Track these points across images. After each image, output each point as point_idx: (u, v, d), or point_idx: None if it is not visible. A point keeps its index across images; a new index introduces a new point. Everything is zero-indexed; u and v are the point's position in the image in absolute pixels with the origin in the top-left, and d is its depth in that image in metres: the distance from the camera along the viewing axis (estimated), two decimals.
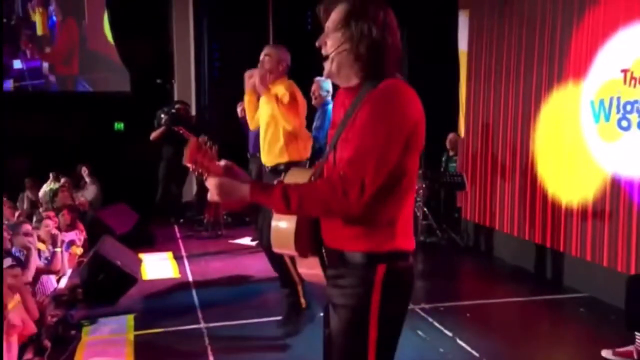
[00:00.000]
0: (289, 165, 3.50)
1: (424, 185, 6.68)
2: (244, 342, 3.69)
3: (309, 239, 1.70)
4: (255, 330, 3.82)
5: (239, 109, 6.11)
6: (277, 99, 3.53)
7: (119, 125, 8.50)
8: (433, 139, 7.58)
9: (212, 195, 1.59)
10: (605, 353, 3.44)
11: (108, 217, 6.07)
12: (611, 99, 4.40)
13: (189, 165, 1.58)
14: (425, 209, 6.61)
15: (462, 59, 7.17)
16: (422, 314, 4.20)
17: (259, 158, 6.04)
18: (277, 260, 3.58)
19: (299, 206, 1.54)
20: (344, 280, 1.65)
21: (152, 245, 6.30)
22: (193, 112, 8.18)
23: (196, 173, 1.59)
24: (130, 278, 4.47)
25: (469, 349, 3.56)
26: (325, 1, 1.68)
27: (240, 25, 7.92)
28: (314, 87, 5.29)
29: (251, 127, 4.03)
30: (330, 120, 5.40)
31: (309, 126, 5.27)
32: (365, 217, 1.58)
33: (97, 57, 8.61)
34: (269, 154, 3.64)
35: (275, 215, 1.67)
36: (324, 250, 1.71)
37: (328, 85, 5.32)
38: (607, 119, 4.44)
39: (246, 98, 3.86)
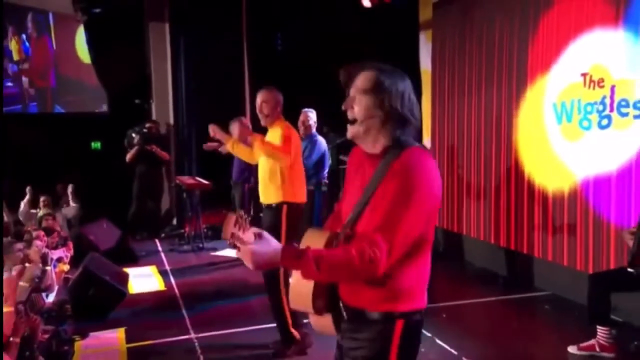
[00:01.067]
0: (281, 205, 3.53)
1: None
2: (235, 350, 3.68)
3: (325, 298, 1.72)
4: (245, 338, 3.82)
5: (210, 130, 6.11)
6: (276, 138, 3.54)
7: (96, 145, 8.37)
8: None
9: (246, 262, 1.57)
10: (571, 349, 3.56)
11: (92, 234, 5.95)
12: (572, 101, 4.53)
13: (227, 239, 1.62)
14: None
15: (423, 78, 7.35)
16: None
17: (241, 185, 6.12)
18: (272, 292, 3.57)
19: (328, 273, 1.56)
20: (362, 334, 1.68)
21: (135, 261, 6.20)
22: (170, 131, 8.14)
23: (232, 246, 1.64)
24: (119, 292, 4.40)
25: (447, 347, 3.64)
26: (352, 66, 1.72)
27: (215, 46, 7.93)
28: (302, 118, 5.35)
29: (252, 161, 4.00)
30: (319, 151, 5.39)
31: None
32: (387, 281, 1.62)
33: (69, 81, 8.50)
34: (265, 193, 3.64)
35: (294, 274, 1.69)
36: (342, 307, 1.73)
37: (314, 115, 5.40)
38: (569, 119, 4.58)
39: (235, 147, 3.84)
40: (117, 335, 3.96)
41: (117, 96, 8.08)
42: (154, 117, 8.07)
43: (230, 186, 6.32)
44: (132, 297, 4.85)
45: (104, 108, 8.37)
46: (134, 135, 7.02)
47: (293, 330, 3.54)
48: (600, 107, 4.28)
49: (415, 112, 1.68)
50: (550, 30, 4.75)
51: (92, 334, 3.97)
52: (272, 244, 1.57)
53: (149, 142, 6.89)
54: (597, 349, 3.50)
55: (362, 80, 1.66)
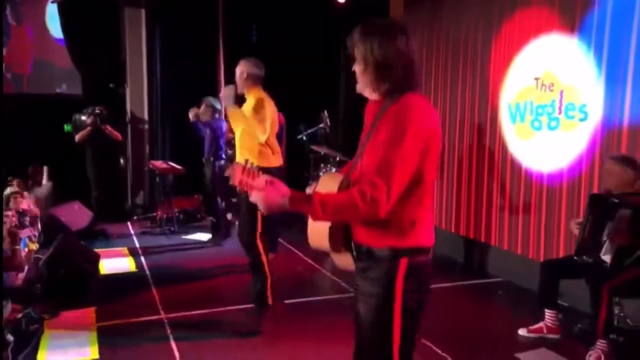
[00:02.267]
0: (257, 170, 3.52)
1: None
2: (204, 330, 3.64)
3: (341, 237, 1.78)
4: (214, 318, 3.79)
5: (190, 115, 6.05)
6: (248, 108, 3.61)
7: (68, 127, 8.12)
8: None
9: (259, 207, 1.65)
10: (521, 332, 3.66)
11: (63, 215, 5.79)
12: (525, 103, 4.69)
13: (235, 185, 1.66)
14: None
15: None
16: None
17: (212, 162, 6.08)
18: (253, 254, 3.63)
19: (333, 214, 1.62)
20: (371, 272, 1.73)
21: (107, 242, 6.08)
22: (146, 116, 7.96)
23: (242, 192, 1.68)
24: (90, 273, 4.30)
25: None
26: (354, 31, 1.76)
27: (191, 33, 7.77)
28: None
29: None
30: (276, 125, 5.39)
31: None
32: (388, 218, 1.65)
33: (44, 63, 8.18)
34: (241, 156, 3.67)
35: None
36: (353, 245, 1.78)
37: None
38: (522, 120, 4.74)
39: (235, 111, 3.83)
40: (87, 315, 3.87)
41: (91, 80, 7.83)
42: (128, 101, 7.88)
43: (202, 164, 6.25)
44: (103, 277, 4.75)
45: (78, 91, 8.11)
46: (83, 118, 6.84)
47: (269, 290, 3.61)
48: (550, 110, 4.45)
49: (403, 57, 1.68)
50: (510, 35, 4.86)
51: (62, 313, 3.87)
52: (282, 190, 1.64)
53: (104, 123, 6.72)
54: (545, 331, 3.62)
55: (350, 42, 1.75)
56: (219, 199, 6.23)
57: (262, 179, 1.64)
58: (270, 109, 3.70)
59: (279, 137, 5.32)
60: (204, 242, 6.26)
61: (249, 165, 1.67)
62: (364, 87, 1.76)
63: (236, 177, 1.65)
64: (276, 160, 3.72)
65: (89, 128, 6.73)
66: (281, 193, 1.63)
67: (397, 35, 1.68)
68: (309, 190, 1.87)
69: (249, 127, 3.57)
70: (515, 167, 4.77)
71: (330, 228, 1.75)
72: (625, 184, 3.32)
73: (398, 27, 1.71)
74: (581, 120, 4.16)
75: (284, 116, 5.44)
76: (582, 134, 4.13)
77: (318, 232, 1.77)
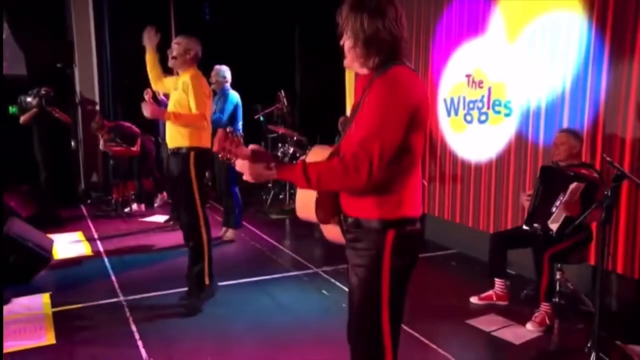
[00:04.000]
0: (189, 150, 3.44)
1: None
2: (164, 310, 3.58)
3: (329, 208, 1.76)
4: (173, 299, 3.73)
5: (146, 96, 5.85)
6: (185, 85, 3.44)
7: (13, 109, 7.72)
8: (326, 120, 7.79)
9: (246, 177, 1.62)
10: (472, 299, 3.82)
11: (11, 200, 5.54)
12: (459, 98, 4.97)
13: (217, 152, 1.60)
14: None
15: None
16: (325, 275, 4.37)
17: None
18: (194, 236, 3.52)
19: (317, 183, 1.60)
20: (360, 244, 1.71)
21: (60, 226, 5.87)
22: (97, 98, 7.66)
23: (225, 159, 1.62)
24: (42, 258, 4.15)
25: None
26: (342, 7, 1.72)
27: (141, 12, 7.47)
28: (212, 74, 5.24)
29: (155, 87, 3.90)
30: (232, 103, 5.41)
31: None
32: (376, 190, 1.64)
33: None
34: (172, 138, 3.51)
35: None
36: (342, 217, 1.77)
37: (225, 72, 5.28)
38: (456, 114, 5.00)
39: (147, 56, 3.75)
40: (41, 300, 3.75)
41: (36, 60, 7.43)
42: (77, 82, 7.56)
43: (159, 144, 6.08)
44: (58, 262, 4.61)
45: (23, 71, 7.69)
46: (29, 99, 6.52)
47: (207, 272, 3.54)
48: (480, 105, 4.72)
49: (393, 30, 1.65)
50: (447, 32, 5.06)
51: (14, 299, 3.73)
52: (267, 159, 1.63)
53: (51, 105, 6.43)
54: (494, 299, 3.78)
55: (340, 17, 1.70)
56: None
57: (248, 148, 1.61)
58: (207, 87, 3.55)
59: (236, 115, 5.29)
60: (160, 223, 6.14)
61: (231, 132, 1.62)
62: (353, 62, 1.72)
63: (218, 144, 1.60)
64: (208, 140, 3.55)
65: (34, 110, 6.42)
66: (267, 161, 1.62)
67: (387, 9, 1.65)
68: None
69: (189, 121, 3.40)
70: (454, 156, 5.06)
71: (318, 199, 1.72)
72: (572, 155, 3.47)
73: (388, 1, 1.67)
74: (506, 115, 4.46)
75: (239, 95, 5.36)
76: (508, 128, 4.45)
77: (306, 202, 1.74)
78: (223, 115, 5.13)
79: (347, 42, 1.70)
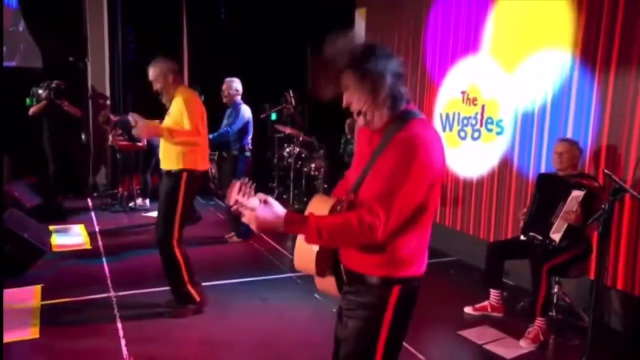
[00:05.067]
0: (181, 172, 3.33)
1: (324, 165, 6.76)
2: (152, 309, 3.53)
3: (328, 261, 1.71)
4: (162, 297, 3.66)
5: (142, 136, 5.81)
6: (179, 109, 3.29)
7: (29, 101, 7.80)
8: (333, 122, 7.71)
9: (252, 226, 1.55)
10: (467, 309, 3.70)
11: (17, 190, 5.56)
12: (454, 114, 4.93)
13: (231, 206, 1.55)
14: (325, 186, 6.70)
15: None
16: None
17: None
18: (166, 254, 3.38)
19: (329, 238, 1.53)
20: (361, 297, 1.67)
21: (64, 218, 5.88)
22: (107, 92, 7.68)
23: (236, 213, 1.57)
24: (38, 249, 4.13)
25: None
26: (330, 66, 1.61)
27: (154, 7, 7.49)
28: (224, 87, 5.19)
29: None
30: (242, 119, 5.29)
31: (219, 123, 5.17)
32: (387, 248, 1.58)
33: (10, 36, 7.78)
34: (165, 159, 3.40)
35: (298, 238, 1.67)
36: (342, 270, 1.72)
37: (237, 85, 5.22)
38: (451, 129, 4.95)
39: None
40: (32, 293, 3.73)
41: (51, 53, 7.49)
42: (89, 76, 7.59)
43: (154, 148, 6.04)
44: (57, 254, 4.60)
45: (39, 64, 7.75)
46: (40, 91, 6.54)
47: (190, 289, 3.42)
48: (474, 122, 4.70)
49: (398, 78, 1.61)
50: (444, 45, 5.01)
51: (6, 290, 3.71)
52: (275, 210, 1.54)
53: (60, 97, 6.43)
54: (489, 310, 3.65)
55: (346, 78, 1.60)
56: None
57: (256, 198, 1.55)
58: (199, 105, 3.40)
59: (246, 130, 5.21)
60: None
61: (245, 184, 1.57)
62: (374, 119, 1.62)
63: (232, 198, 1.56)
64: (203, 163, 3.45)
65: (43, 102, 6.45)
66: (275, 214, 1.53)
67: (391, 59, 1.60)
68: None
69: (183, 137, 3.28)
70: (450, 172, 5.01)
71: (318, 252, 1.66)
72: (572, 164, 3.35)
73: (388, 50, 1.63)
74: (498, 134, 4.44)
75: (250, 108, 5.30)
76: (499, 146, 4.43)
77: (304, 254, 1.68)
78: (231, 129, 5.09)
79: (363, 102, 1.60)
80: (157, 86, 3.39)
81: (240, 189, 1.56)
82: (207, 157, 3.56)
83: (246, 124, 5.19)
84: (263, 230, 1.55)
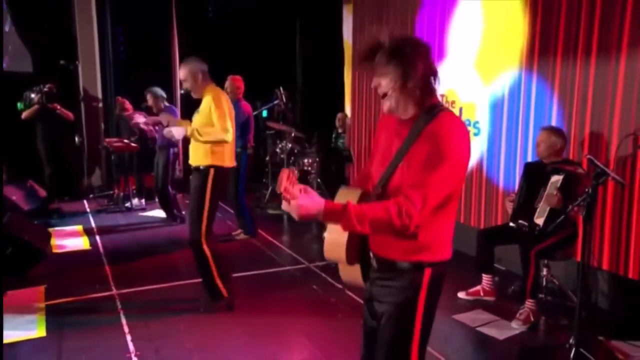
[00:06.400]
0: (208, 168, 3.41)
1: (317, 159, 6.83)
2: (154, 304, 3.60)
3: (357, 249, 1.73)
4: (165, 294, 3.75)
5: (141, 122, 5.89)
6: (209, 107, 3.37)
7: (20, 105, 7.78)
8: (324, 117, 7.75)
9: (293, 214, 1.57)
10: (460, 294, 3.80)
11: (14, 194, 5.58)
12: None
13: (282, 192, 1.55)
14: (319, 180, 6.78)
15: (346, 49, 7.35)
16: (317, 270, 4.36)
17: (166, 149, 5.90)
18: (197, 252, 3.44)
19: (369, 226, 1.56)
20: (393, 282, 1.71)
21: (61, 220, 5.91)
22: (99, 94, 7.68)
23: (285, 199, 1.56)
24: (38, 252, 4.18)
25: (354, 297, 3.74)
26: (371, 46, 1.68)
27: (143, 8, 7.49)
28: (226, 84, 5.21)
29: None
30: (240, 116, 5.32)
31: None
32: (418, 235, 1.64)
33: None
34: (195, 155, 3.48)
35: (329, 227, 1.68)
36: (373, 258, 1.76)
37: (238, 82, 5.26)
38: None
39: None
40: (36, 293, 3.77)
41: (41, 57, 7.47)
42: (80, 78, 7.58)
43: (154, 151, 6.06)
44: (57, 256, 4.64)
45: (29, 68, 7.73)
46: (32, 95, 6.54)
47: (219, 284, 3.48)
48: None
49: (432, 70, 1.66)
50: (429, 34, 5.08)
51: (10, 292, 3.76)
52: (315, 200, 1.57)
53: (52, 101, 6.44)
54: (482, 294, 3.76)
55: (381, 57, 1.65)
56: (169, 187, 5.95)
57: (297, 187, 1.57)
58: (228, 104, 3.49)
59: (247, 126, 5.26)
60: (159, 218, 6.16)
61: (292, 172, 1.58)
62: (400, 105, 1.67)
63: (282, 184, 1.56)
64: (230, 160, 3.54)
65: (35, 106, 6.44)
66: (315, 203, 1.56)
67: (421, 44, 1.66)
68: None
69: (212, 136, 3.37)
70: None
71: (348, 241, 1.67)
72: (554, 152, 3.44)
73: (428, 47, 1.68)
74: (475, 134, 4.55)
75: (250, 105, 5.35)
76: (476, 147, 4.54)
77: (335, 244, 1.70)
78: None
79: (393, 85, 1.65)
80: (186, 85, 3.48)
81: (288, 177, 1.56)
82: (234, 154, 3.62)
83: (247, 121, 5.24)
84: (303, 219, 1.57)
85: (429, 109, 1.65)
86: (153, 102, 5.77)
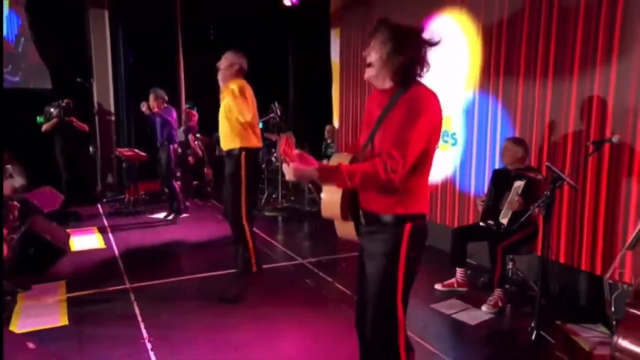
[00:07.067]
0: (240, 151, 3.43)
1: None
2: (165, 297, 3.64)
3: (349, 206, 1.80)
4: (174, 287, 3.80)
5: (143, 108, 5.96)
6: (232, 94, 3.40)
7: (41, 119, 7.79)
8: (314, 129, 7.82)
9: (289, 177, 1.63)
10: (437, 286, 3.89)
11: (35, 198, 5.59)
12: None
13: (282, 154, 1.61)
14: (310, 185, 6.85)
15: (333, 68, 7.45)
16: (309, 266, 4.43)
17: (167, 147, 5.97)
18: (237, 230, 3.52)
19: (359, 183, 1.63)
20: (379, 235, 1.78)
21: (78, 222, 5.93)
22: (112, 109, 7.71)
23: (284, 161, 1.63)
24: (59, 250, 4.20)
25: (344, 289, 3.82)
26: (377, 23, 1.77)
27: (152, 30, 7.55)
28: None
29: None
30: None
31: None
32: (399, 189, 1.70)
33: (14, 58, 7.75)
34: (225, 141, 3.50)
35: (324, 189, 1.75)
36: (361, 213, 1.83)
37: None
38: None
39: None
40: (58, 287, 3.80)
41: (59, 74, 7.50)
42: (95, 94, 7.61)
43: (157, 149, 6.14)
44: (74, 254, 4.66)
45: (48, 85, 7.74)
46: (52, 110, 6.59)
47: (253, 260, 3.52)
48: None
49: (420, 57, 1.72)
50: None
51: (34, 286, 3.79)
52: (310, 162, 1.64)
53: (69, 115, 6.50)
54: (456, 286, 3.85)
55: (379, 34, 1.73)
56: (173, 180, 6.14)
57: (295, 151, 1.64)
58: (251, 94, 3.50)
59: None
60: (167, 220, 6.20)
61: (290, 137, 1.65)
62: (379, 76, 1.75)
63: (282, 147, 1.63)
64: (257, 141, 3.54)
65: (54, 119, 6.49)
66: (310, 164, 1.64)
67: (421, 38, 1.73)
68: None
69: (236, 108, 3.36)
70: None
71: (342, 199, 1.73)
72: (517, 159, 3.56)
73: (429, 43, 1.75)
74: (452, 144, 4.66)
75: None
76: (452, 156, 4.66)
77: (330, 203, 1.77)
78: None
79: (380, 56, 1.72)
80: (221, 65, 3.47)
81: (287, 142, 1.63)
82: (259, 135, 3.59)
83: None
84: (299, 180, 1.66)
85: (404, 81, 1.73)
86: (154, 102, 5.86)
